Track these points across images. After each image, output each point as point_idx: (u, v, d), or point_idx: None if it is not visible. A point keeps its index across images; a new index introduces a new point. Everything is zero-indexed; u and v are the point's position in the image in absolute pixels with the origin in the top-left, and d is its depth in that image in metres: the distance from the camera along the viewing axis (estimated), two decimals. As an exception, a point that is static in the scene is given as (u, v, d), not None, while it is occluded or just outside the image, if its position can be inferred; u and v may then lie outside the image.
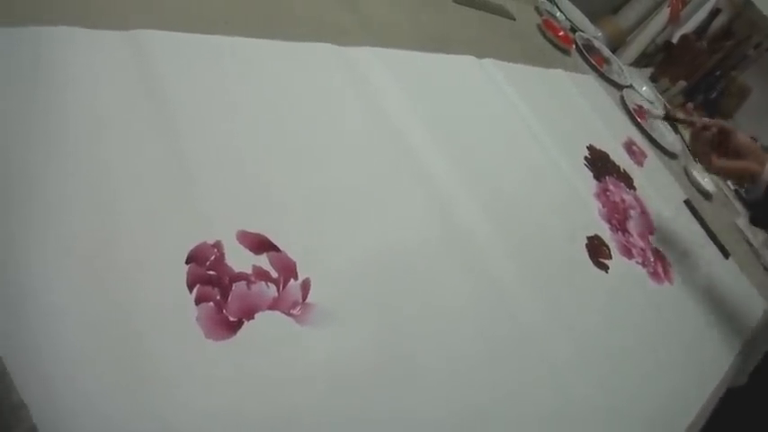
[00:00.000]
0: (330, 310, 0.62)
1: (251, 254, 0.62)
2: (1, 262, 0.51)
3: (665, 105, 1.66)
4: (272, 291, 0.60)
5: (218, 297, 0.58)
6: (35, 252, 0.52)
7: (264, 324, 0.59)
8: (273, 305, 0.60)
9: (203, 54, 0.77)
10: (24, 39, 0.64)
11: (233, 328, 0.57)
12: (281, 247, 0.64)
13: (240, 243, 0.62)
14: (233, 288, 0.59)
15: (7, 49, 0.63)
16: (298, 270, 0.63)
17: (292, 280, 0.62)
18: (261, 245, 0.63)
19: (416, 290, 0.71)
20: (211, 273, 0.59)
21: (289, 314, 0.60)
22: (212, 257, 0.60)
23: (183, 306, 0.56)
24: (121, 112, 0.65)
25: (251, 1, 0.88)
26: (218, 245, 0.61)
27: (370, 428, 0.58)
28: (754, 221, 0.99)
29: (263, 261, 0.62)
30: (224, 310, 0.57)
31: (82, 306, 0.51)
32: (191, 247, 0.60)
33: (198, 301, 0.57)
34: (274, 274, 0.62)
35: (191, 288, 0.57)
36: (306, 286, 0.62)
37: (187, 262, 0.58)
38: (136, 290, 0.54)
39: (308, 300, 0.62)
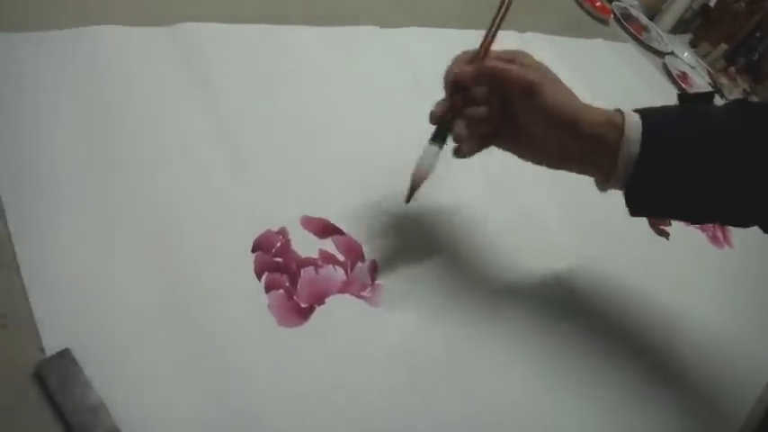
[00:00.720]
0: (400, 290, 0.60)
1: (316, 239, 0.61)
2: (73, 261, 0.50)
3: (708, 71, 1.61)
4: (340, 274, 0.58)
5: (288, 284, 0.56)
6: (104, 252, 0.52)
7: (336, 308, 0.57)
8: (343, 288, 0.58)
9: (248, 43, 0.75)
10: (75, 40, 0.64)
11: (305, 314, 0.55)
12: (344, 229, 0.61)
13: (305, 228, 0.60)
14: (301, 274, 0.57)
15: (60, 51, 0.63)
16: (364, 252, 0.61)
17: (359, 262, 0.60)
18: (325, 229, 0.61)
19: (482, 266, 0.68)
20: (278, 260, 0.57)
21: (359, 296, 0.58)
22: (278, 244, 0.58)
23: (254, 295, 0.55)
24: (173, 106, 0.64)
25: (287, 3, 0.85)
26: (282, 231, 0.59)
27: (449, 409, 0.56)
28: (635, 210, 0.59)
29: (329, 245, 0.60)
30: (294, 297, 0.56)
31: (153, 304, 0.50)
32: (255, 235, 0.58)
33: (268, 289, 0.55)
34: (341, 258, 0.60)
35: (259, 276, 0.56)
36: (373, 268, 0.60)
37: (253, 250, 0.57)
38: (205, 283, 0.53)
39: (376, 281, 0.59)
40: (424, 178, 0.56)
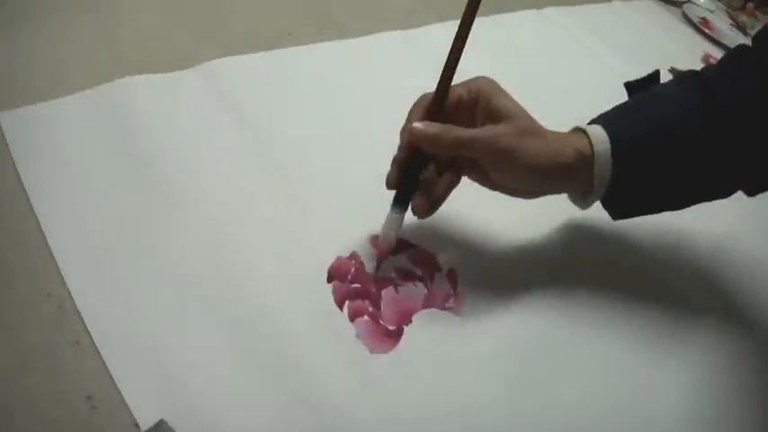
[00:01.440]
0: (482, 294, 0.57)
1: (389, 257, 0.57)
2: (148, 329, 0.49)
3: (727, 12, 1.56)
4: (420, 289, 0.56)
5: (371, 308, 0.54)
6: (178, 314, 0.51)
7: (424, 324, 0.55)
8: (427, 303, 0.56)
9: (273, 70, 0.74)
10: (105, 97, 0.65)
11: (395, 336, 0.53)
12: (416, 243, 0.59)
13: (375, 248, 0.57)
14: (382, 296, 0.55)
15: (92, 109, 0.63)
16: (439, 262, 0.58)
17: (437, 273, 0.57)
18: (396, 245, 0.58)
19: (557, 256, 0.65)
20: (356, 285, 0.55)
21: (444, 308, 0.56)
22: (352, 270, 0.56)
23: (340, 327, 0.53)
24: (217, 145, 0.64)
25: (309, 9, 0.83)
26: (353, 256, 0.57)
27: (554, 405, 0.53)
28: (617, 216, 0.59)
29: (403, 261, 0.58)
30: (380, 321, 0.53)
31: (237, 358, 0.49)
32: (327, 265, 0.56)
33: (352, 318, 0.53)
34: (418, 272, 0.57)
35: (340, 306, 0.53)
36: (452, 276, 0.58)
37: (329, 281, 0.54)
38: (288, 328, 0.52)
39: (458, 289, 0.56)
40: (391, 247, 0.55)
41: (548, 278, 0.61)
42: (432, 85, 0.54)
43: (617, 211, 0.58)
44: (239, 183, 0.61)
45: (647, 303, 0.62)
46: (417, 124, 0.50)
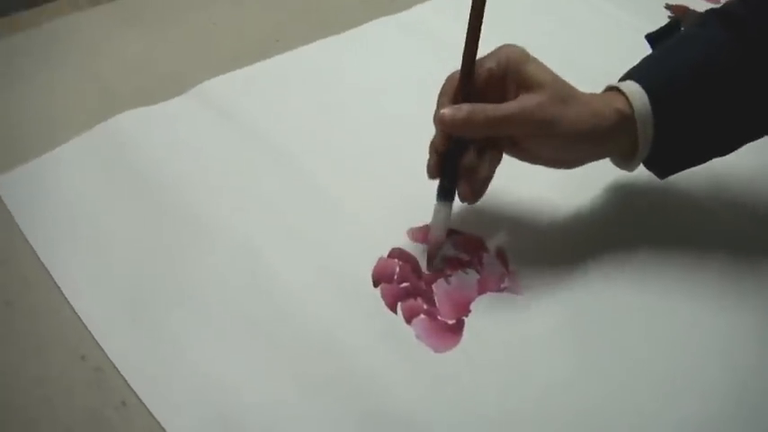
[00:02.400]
0: (535, 270, 0.53)
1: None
2: (185, 356, 0.46)
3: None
4: (472, 275, 0.52)
5: (425, 306, 0.49)
6: (216, 338, 0.48)
7: (484, 311, 0.50)
8: (482, 288, 0.51)
9: (272, 78, 0.70)
10: (101, 137, 0.61)
11: (456, 330, 0.48)
12: (459, 229, 0.54)
13: (416, 242, 0.52)
14: (434, 290, 0.50)
15: (92, 152, 0.60)
16: (486, 243, 0.53)
17: (485, 255, 0.52)
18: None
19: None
20: (405, 285, 0.50)
21: (501, 290, 0.51)
22: (397, 269, 0.51)
23: (397, 331, 0.48)
24: (234, 167, 0.60)
25: (291, 12, 0.79)
26: (395, 254, 0.53)
27: (633, 386, 0.48)
28: (664, 173, 0.56)
29: (448, 249, 0.53)
30: (438, 316, 0.48)
31: (297, 378, 0.46)
32: (369, 269, 0.51)
33: (409, 319, 0.48)
34: (466, 257, 0.52)
35: (393, 308, 0.48)
36: (502, 255, 0.53)
37: (375, 285, 0.50)
38: (342, 338, 0.48)
39: (510, 268, 0.51)
40: (441, 242, 0.52)
41: (600, 243, 0.56)
42: (436, 66, 0.50)
43: (663, 169, 0.54)
44: (264, 197, 0.56)
45: (713, 260, 0.56)
46: (445, 110, 0.46)
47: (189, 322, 0.47)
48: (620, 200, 0.60)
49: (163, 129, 0.62)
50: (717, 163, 0.55)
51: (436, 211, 0.51)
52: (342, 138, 0.63)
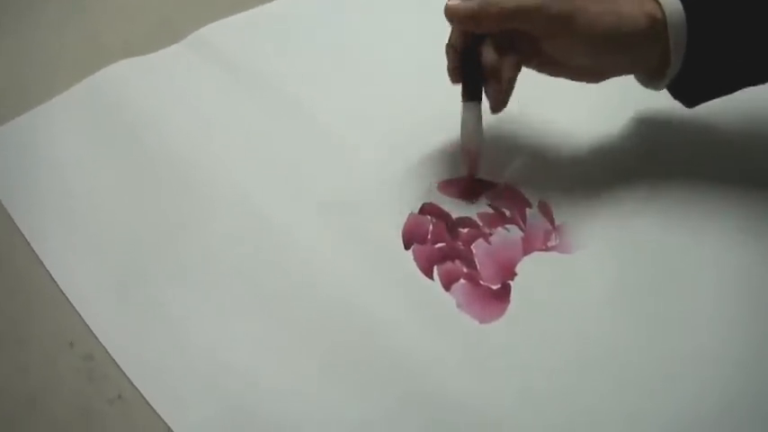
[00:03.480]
0: (585, 224, 0.45)
1: (467, 204, 0.46)
2: (189, 339, 0.39)
3: None
4: (515, 233, 0.44)
5: (466, 269, 0.41)
6: (224, 317, 0.40)
7: (532, 273, 0.43)
8: (527, 247, 0.44)
9: (271, 23, 0.61)
10: (94, 89, 0.53)
11: (502, 296, 0.41)
12: (494, 180, 0.46)
13: (448, 196, 0.44)
14: (474, 251, 0.42)
15: (82, 107, 0.52)
16: (527, 196, 0.45)
17: (528, 210, 0.44)
18: (472, 187, 0.47)
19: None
20: (441, 245, 0.42)
21: (548, 249, 0.43)
22: (430, 227, 0.43)
23: (435, 299, 0.41)
24: (234, 114, 0.52)
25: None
26: (427, 210, 0.45)
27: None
28: (693, 100, 0.47)
29: (484, 206, 0.44)
30: (481, 281, 0.40)
31: (323, 360, 0.38)
32: (398, 228, 0.44)
33: (447, 285, 0.41)
34: (507, 213, 0.44)
35: (428, 273, 0.41)
36: (546, 209, 0.45)
37: (407, 247, 0.42)
38: (372, 311, 0.40)
39: (556, 223, 0.43)
40: (479, 149, 0.45)
41: (647, 184, 0.48)
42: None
43: (692, 94, 0.46)
44: (271, 154, 0.49)
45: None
46: (452, 2, 0.41)
47: (191, 300, 0.40)
48: (655, 130, 0.52)
49: (157, 81, 0.54)
50: (748, 98, 0.46)
51: (465, 113, 0.44)
52: (355, 84, 0.55)
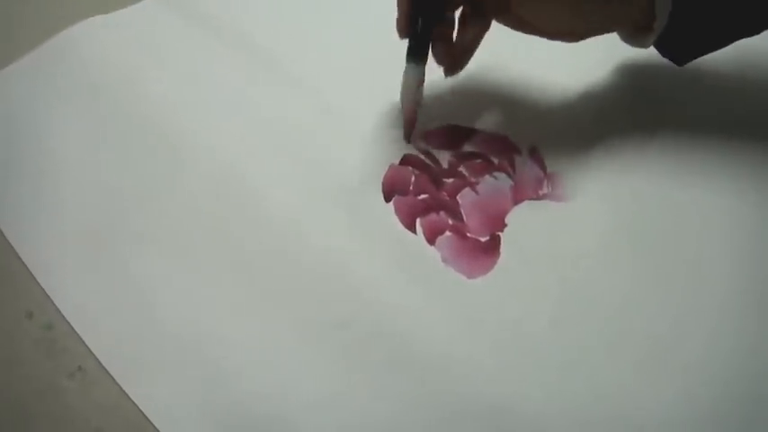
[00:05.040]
0: (577, 170, 0.41)
1: (453, 153, 0.42)
2: (158, 310, 0.35)
3: None
4: (504, 181, 0.39)
5: (451, 221, 0.37)
6: (196, 285, 0.36)
7: (522, 224, 0.39)
8: (517, 196, 0.39)
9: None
10: (58, 50, 0.48)
11: (491, 249, 0.36)
12: (477, 127, 0.41)
13: (433, 147, 0.40)
14: (460, 202, 0.37)
15: (45, 70, 0.47)
16: (515, 142, 0.40)
17: (517, 156, 0.40)
18: (457, 135, 0.43)
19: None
20: (424, 196, 0.37)
21: (540, 197, 0.39)
22: (412, 178, 0.38)
23: (417, 254, 0.37)
24: (210, 77, 0.47)
25: None
26: (408, 160, 0.40)
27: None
28: (683, 55, 0.41)
29: (470, 154, 0.40)
30: (468, 233, 0.36)
31: (297, 327, 0.34)
32: (378, 180, 0.40)
33: (431, 238, 0.37)
34: (494, 160, 0.39)
35: (411, 227, 0.36)
36: (536, 155, 0.40)
37: (387, 199, 0.37)
38: (349, 267, 0.36)
39: (548, 171, 0.39)
40: (417, 106, 0.40)
41: (641, 130, 0.44)
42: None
43: (681, 50, 0.40)
44: (246, 111, 0.44)
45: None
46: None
47: (160, 265, 0.36)
48: (643, 80, 0.47)
49: (126, 39, 0.49)
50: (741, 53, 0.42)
51: (405, 75, 0.39)
52: (336, 39, 0.50)
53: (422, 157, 0.41)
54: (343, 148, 0.42)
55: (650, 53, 0.41)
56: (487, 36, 0.40)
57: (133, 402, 0.31)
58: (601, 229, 0.38)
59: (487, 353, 0.33)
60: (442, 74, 0.41)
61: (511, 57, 0.45)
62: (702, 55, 0.40)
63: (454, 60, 0.39)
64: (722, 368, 0.33)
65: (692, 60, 0.40)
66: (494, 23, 0.39)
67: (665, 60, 0.41)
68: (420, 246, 0.37)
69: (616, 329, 0.34)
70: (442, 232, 0.37)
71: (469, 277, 0.36)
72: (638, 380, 0.32)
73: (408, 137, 0.42)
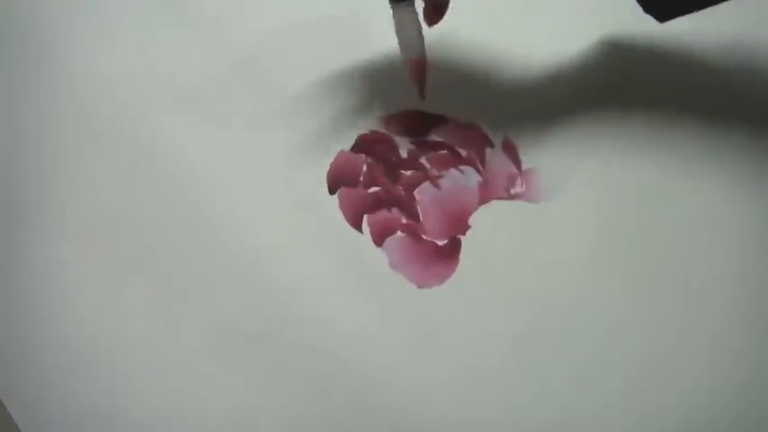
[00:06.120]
0: (558, 167, 0.35)
1: (414, 142, 0.35)
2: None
3: None
4: (471, 176, 0.33)
5: (405, 220, 0.30)
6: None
7: (488, 226, 0.33)
8: (486, 195, 0.32)
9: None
10: None
11: (449, 254, 0.30)
12: (448, 116, 0.34)
13: (393, 133, 0.34)
14: (417, 198, 0.31)
15: None
16: (488, 133, 0.34)
17: (488, 149, 0.33)
18: (421, 122, 0.36)
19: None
20: (375, 190, 0.31)
21: (511, 197, 0.33)
22: (364, 168, 0.32)
23: (361, 258, 0.31)
24: (137, 39, 0.39)
25: None
26: (362, 145, 0.34)
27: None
28: (667, 10, 0.34)
29: (434, 145, 0.34)
30: (423, 235, 0.29)
31: (207, 340, 0.29)
32: (325, 167, 0.34)
33: (379, 239, 0.30)
34: (462, 153, 0.33)
35: (357, 225, 0.31)
36: (510, 148, 0.34)
37: (332, 191, 0.30)
38: (277, 270, 0.30)
39: (523, 166, 0.32)
40: (423, 54, 0.33)
41: (631, 123, 0.36)
42: None
43: (666, 6, 0.34)
44: (186, 80, 0.37)
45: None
46: None
47: (60, 256, 0.31)
48: (630, 67, 0.40)
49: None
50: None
51: (398, 17, 0.32)
52: (284, 8, 0.42)
53: (378, 143, 0.34)
54: (291, 129, 0.35)
55: (637, 44, 0.36)
56: (464, 16, 0.33)
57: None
58: (581, 236, 0.33)
59: (436, 379, 0.27)
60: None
61: (489, 39, 0.38)
62: (687, 12, 0.34)
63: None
64: (722, 401, 0.26)
65: (675, 17, 0.34)
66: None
67: (654, 48, 0.35)
68: (365, 247, 0.31)
69: (595, 355, 0.29)
70: (392, 232, 0.31)
71: (420, 286, 0.30)
72: (621, 418, 0.26)
73: (423, 93, 0.35)
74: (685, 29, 0.36)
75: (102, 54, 0.37)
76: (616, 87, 0.37)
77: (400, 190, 0.33)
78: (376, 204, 0.32)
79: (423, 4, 0.32)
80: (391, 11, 0.32)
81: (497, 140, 0.36)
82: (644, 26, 0.34)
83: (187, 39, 0.38)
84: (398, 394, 0.27)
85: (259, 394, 0.27)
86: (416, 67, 0.33)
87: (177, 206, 0.32)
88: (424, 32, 0.33)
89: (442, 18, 0.33)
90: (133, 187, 0.32)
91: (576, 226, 0.33)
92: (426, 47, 0.33)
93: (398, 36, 0.32)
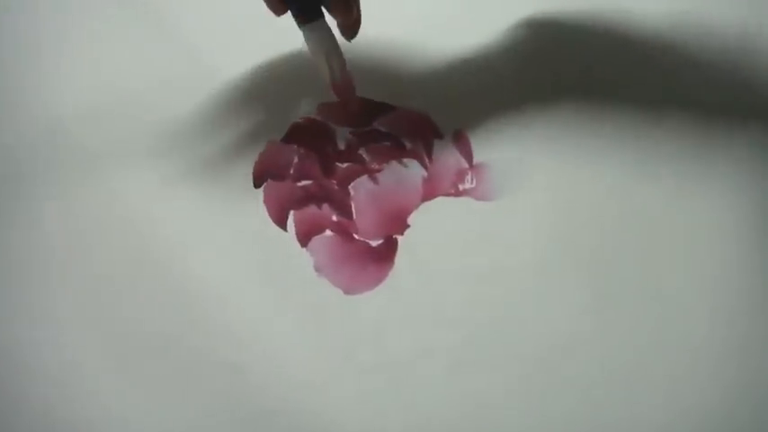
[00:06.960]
0: (509, 165, 0.31)
1: (353, 131, 0.32)
2: None
3: None
4: (415, 170, 0.29)
5: (336, 217, 0.26)
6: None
7: (430, 226, 0.29)
8: (430, 190, 0.29)
9: None
10: None
11: (383, 256, 0.26)
12: (393, 103, 0.31)
13: (329, 122, 0.29)
14: (352, 193, 0.27)
15: None
16: (436, 122, 0.30)
17: (437, 140, 0.29)
18: (363, 109, 0.32)
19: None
20: (305, 183, 0.27)
21: (459, 193, 0.30)
22: (295, 159, 0.28)
23: (283, 259, 0.27)
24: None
25: None
26: (295, 134, 0.29)
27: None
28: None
29: (378, 133, 0.30)
30: (355, 235, 0.26)
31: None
32: (252, 159, 0.30)
33: (305, 239, 0.26)
34: (407, 145, 0.29)
35: (281, 221, 0.28)
36: (462, 141, 0.30)
37: (257, 184, 0.28)
38: (188, 270, 0.27)
39: (475, 160, 0.28)
40: (345, 70, 0.30)
41: (596, 119, 0.32)
42: None
43: None
44: (127, 70, 0.34)
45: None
46: None
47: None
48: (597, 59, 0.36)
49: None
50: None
51: (310, 42, 0.28)
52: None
53: (313, 132, 0.30)
54: (222, 118, 0.31)
55: (598, 34, 0.33)
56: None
57: None
58: (536, 237, 0.29)
59: (361, 397, 0.23)
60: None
61: (442, 22, 0.34)
62: None
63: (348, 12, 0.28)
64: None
65: None
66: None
67: (620, 39, 0.32)
68: (288, 247, 0.27)
69: (546, 374, 0.24)
70: (319, 231, 0.27)
71: (347, 292, 0.26)
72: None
73: (353, 101, 0.32)
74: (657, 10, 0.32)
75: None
76: (578, 79, 0.33)
77: (333, 184, 0.29)
78: (304, 199, 0.29)
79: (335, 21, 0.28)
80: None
81: (448, 131, 0.32)
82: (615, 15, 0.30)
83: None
84: (319, 413, 0.24)
85: (160, 409, 0.23)
86: (341, 89, 0.30)
87: (80, 193, 0.28)
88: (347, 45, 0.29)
89: (359, 27, 0.29)
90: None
91: (532, 227, 0.29)
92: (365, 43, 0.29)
93: (315, 59, 0.28)
